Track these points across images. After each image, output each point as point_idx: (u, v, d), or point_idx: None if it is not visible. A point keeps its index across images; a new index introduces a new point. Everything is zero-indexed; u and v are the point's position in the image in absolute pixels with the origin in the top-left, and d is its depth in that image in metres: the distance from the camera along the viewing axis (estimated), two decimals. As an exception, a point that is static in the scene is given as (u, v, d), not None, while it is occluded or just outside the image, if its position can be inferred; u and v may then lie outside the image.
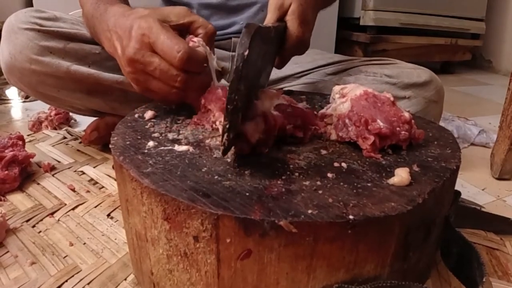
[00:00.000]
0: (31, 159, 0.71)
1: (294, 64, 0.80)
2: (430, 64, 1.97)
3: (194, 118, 0.48)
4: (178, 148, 0.41)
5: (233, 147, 0.38)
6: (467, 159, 0.92)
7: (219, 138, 0.40)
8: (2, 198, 0.63)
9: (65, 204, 0.62)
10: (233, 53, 0.83)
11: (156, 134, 0.44)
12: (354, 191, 0.33)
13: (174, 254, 0.34)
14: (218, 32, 0.83)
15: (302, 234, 0.29)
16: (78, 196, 0.65)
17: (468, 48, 2.18)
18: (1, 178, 0.63)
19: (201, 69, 0.47)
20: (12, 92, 1.24)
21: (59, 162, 0.78)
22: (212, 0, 0.83)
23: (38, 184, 0.68)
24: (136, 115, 0.50)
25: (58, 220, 0.58)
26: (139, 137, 0.43)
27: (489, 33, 2.23)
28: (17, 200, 0.63)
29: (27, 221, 0.57)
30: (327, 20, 1.85)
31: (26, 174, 0.70)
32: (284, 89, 0.69)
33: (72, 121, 1.02)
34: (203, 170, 0.36)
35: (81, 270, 0.48)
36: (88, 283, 0.46)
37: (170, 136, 0.44)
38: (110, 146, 0.41)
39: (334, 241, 0.30)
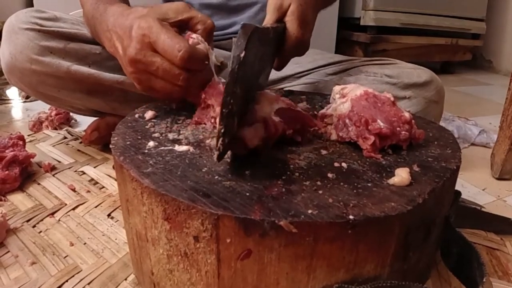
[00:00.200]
0: (31, 159, 0.72)
1: (295, 64, 0.80)
2: (431, 64, 1.97)
3: (194, 117, 0.48)
4: (178, 148, 0.41)
5: (229, 151, 0.38)
6: (468, 159, 0.92)
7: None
8: (3, 198, 0.63)
9: (66, 204, 0.62)
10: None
11: (156, 134, 0.44)
12: (354, 191, 0.33)
13: (174, 254, 0.34)
14: (218, 32, 0.84)
15: (302, 234, 0.29)
16: (79, 196, 0.65)
17: (468, 48, 2.18)
18: (2, 178, 0.63)
19: (203, 67, 0.47)
20: (12, 92, 1.24)
21: (59, 162, 0.78)
22: (213, 0, 0.83)
23: (39, 184, 0.69)
24: (137, 115, 0.50)
25: (59, 220, 0.58)
26: (139, 137, 0.43)
27: (489, 33, 2.23)
28: (18, 200, 0.63)
29: (27, 221, 0.57)
30: (327, 20, 1.85)
31: (26, 174, 0.70)
32: (284, 89, 0.69)
33: (73, 121, 1.02)
34: (203, 170, 0.36)
35: (81, 270, 0.48)
36: (89, 283, 0.46)
37: (171, 136, 0.44)
38: (111, 146, 0.41)
39: (334, 241, 0.30)
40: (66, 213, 0.60)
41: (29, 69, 0.68)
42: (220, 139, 0.33)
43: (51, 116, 0.97)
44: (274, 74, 0.62)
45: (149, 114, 0.50)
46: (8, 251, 0.51)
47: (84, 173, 0.74)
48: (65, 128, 0.97)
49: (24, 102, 1.21)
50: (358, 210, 0.30)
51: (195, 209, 0.30)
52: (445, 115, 1.09)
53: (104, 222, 0.58)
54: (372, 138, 0.40)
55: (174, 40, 0.45)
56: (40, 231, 0.55)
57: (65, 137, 0.91)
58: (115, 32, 0.52)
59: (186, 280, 0.35)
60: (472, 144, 1.03)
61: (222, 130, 0.32)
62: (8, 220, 0.56)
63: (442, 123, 0.77)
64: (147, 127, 0.46)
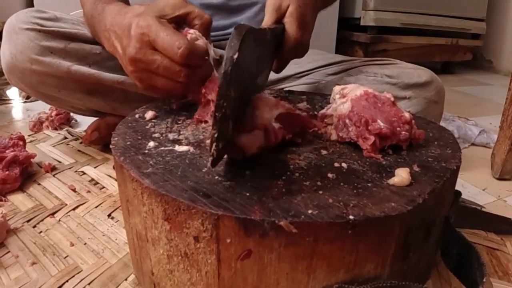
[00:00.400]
0: (32, 160, 0.72)
1: (295, 65, 0.80)
2: (431, 64, 1.97)
3: (196, 114, 0.48)
4: (178, 148, 0.41)
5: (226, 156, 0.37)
6: (468, 159, 0.92)
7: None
8: (3, 198, 0.63)
9: (66, 205, 0.62)
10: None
11: (156, 135, 0.44)
12: (354, 191, 0.33)
13: (174, 254, 0.34)
14: (219, 32, 0.84)
15: (302, 234, 0.29)
16: (79, 197, 0.65)
17: (468, 48, 2.18)
18: (2, 179, 0.64)
19: (203, 62, 0.47)
20: (13, 93, 1.25)
21: (59, 162, 0.78)
22: (213, 0, 0.83)
23: (39, 184, 0.69)
24: (137, 116, 0.50)
25: (59, 220, 0.58)
26: (139, 138, 0.43)
27: (489, 33, 2.23)
28: (18, 200, 0.63)
29: (28, 221, 0.57)
30: (327, 20, 1.85)
31: (27, 174, 0.70)
32: (285, 89, 0.69)
33: (73, 121, 1.02)
34: (203, 170, 0.36)
35: (81, 270, 0.48)
36: (89, 283, 0.46)
37: (171, 136, 0.44)
38: (111, 146, 0.41)
39: (334, 241, 0.30)
40: (66, 213, 0.60)
41: (29, 69, 0.68)
42: (214, 144, 0.31)
43: (51, 117, 0.97)
44: (274, 75, 0.62)
45: (149, 114, 0.50)
46: (9, 251, 0.51)
47: (84, 173, 0.74)
48: (65, 129, 0.97)
49: (25, 102, 1.21)
50: (358, 210, 0.30)
51: (195, 209, 0.30)
52: (445, 115, 1.09)
53: (104, 222, 0.58)
54: (372, 138, 0.40)
55: (173, 37, 0.45)
56: (41, 231, 0.55)
57: (66, 137, 0.91)
58: (113, 32, 0.52)
59: (186, 280, 0.35)
60: (472, 144, 1.03)
61: (216, 135, 0.31)
62: (8, 220, 0.56)
63: (442, 123, 0.77)
64: (147, 127, 0.46)
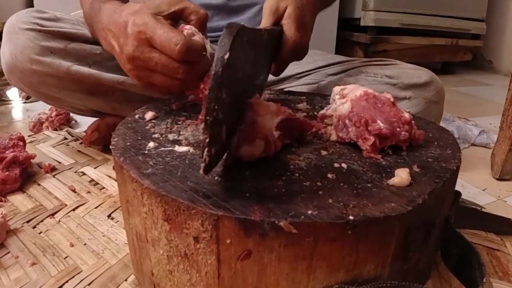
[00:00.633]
0: (31, 160, 0.71)
1: (295, 65, 0.80)
2: (431, 64, 1.97)
3: (200, 115, 0.48)
4: (178, 149, 0.41)
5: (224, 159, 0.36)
6: (468, 160, 0.92)
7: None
8: (3, 199, 0.63)
9: (66, 205, 0.62)
10: None
11: (156, 135, 0.44)
12: (354, 191, 0.33)
13: (174, 255, 0.34)
14: (219, 33, 0.84)
15: (302, 234, 0.29)
16: (79, 197, 0.65)
17: (468, 49, 2.18)
18: (2, 179, 0.64)
19: (200, 58, 0.47)
20: (13, 93, 1.25)
21: (59, 163, 0.78)
22: (213, 1, 0.83)
23: (39, 185, 0.69)
24: (137, 116, 0.50)
25: (59, 221, 0.58)
26: (139, 138, 0.43)
27: (489, 33, 2.23)
28: (18, 201, 0.63)
29: (27, 221, 0.57)
30: (327, 21, 1.85)
31: (26, 175, 0.70)
32: (285, 89, 0.69)
33: (73, 122, 1.02)
34: (203, 170, 0.36)
35: (81, 271, 0.48)
36: (89, 284, 0.46)
37: (171, 137, 0.44)
38: (111, 147, 0.41)
39: (334, 242, 0.30)
40: (66, 214, 0.60)
41: (29, 69, 0.68)
42: (206, 150, 0.30)
43: (51, 117, 0.97)
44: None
45: (149, 115, 0.50)
46: (8, 252, 0.51)
47: (84, 173, 0.74)
48: (65, 129, 0.97)
49: (25, 103, 1.21)
50: (358, 211, 0.30)
51: (195, 210, 0.30)
52: (445, 115, 1.09)
53: (104, 223, 0.58)
54: (372, 138, 0.40)
55: (171, 34, 0.45)
56: (40, 232, 0.55)
57: (65, 138, 0.91)
58: (109, 30, 0.52)
59: (186, 281, 0.35)
60: (472, 144, 1.03)
61: (207, 140, 0.29)
62: (8, 220, 0.56)
63: (442, 124, 0.77)
64: (147, 127, 0.46)
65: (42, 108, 1.07)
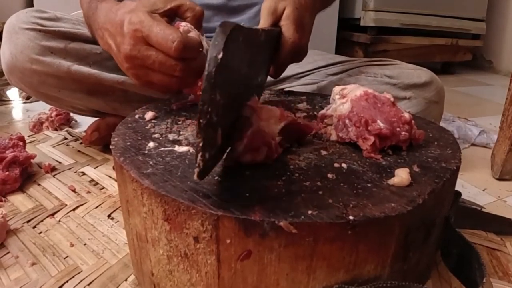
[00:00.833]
0: (31, 160, 0.72)
1: (295, 65, 0.79)
2: (431, 64, 1.97)
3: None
4: (178, 149, 0.41)
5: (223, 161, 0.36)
6: (468, 160, 0.92)
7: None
8: (3, 199, 0.63)
9: (66, 205, 0.62)
10: None
11: (156, 135, 0.44)
12: (354, 191, 0.33)
13: (174, 255, 0.34)
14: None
15: (302, 234, 0.29)
16: (79, 197, 0.65)
17: (468, 49, 2.18)
18: (2, 179, 0.64)
19: (197, 54, 0.47)
20: (13, 93, 1.25)
21: (59, 163, 0.78)
22: (213, 1, 0.83)
23: (39, 185, 0.69)
24: (137, 116, 0.50)
25: (59, 221, 0.58)
26: (139, 138, 0.43)
27: (489, 33, 2.23)
28: (18, 201, 0.63)
29: (27, 221, 0.57)
30: (327, 21, 1.85)
31: (26, 175, 0.70)
32: (285, 89, 0.69)
33: (73, 122, 1.02)
34: (203, 170, 0.36)
35: (81, 271, 0.48)
36: (89, 284, 0.46)
37: (171, 137, 0.44)
38: (111, 147, 0.41)
39: (334, 242, 0.30)
40: (66, 213, 0.60)
41: (29, 69, 0.68)
42: (200, 155, 0.28)
43: (51, 117, 0.97)
44: (274, 75, 0.63)
45: (149, 114, 0.50)
46: (9, 252, 0.51)
47: (84, 173, 0.74)
48: (65, 129, 0.97)
49: (25, 103, 1.21)
50: (358, 211, 0.30)
51: (195, 210, 0.30)
52: (445, 115, 1.09)
53: (104, 223, 0.58)
54: (372, 138, 0.40)
55: (167, 31, 0.45)
56: (40, 232, 0.55)
57: (66, 138, 0.91)
58: (106, 30, 0.52)
59: (186, 281, 0.35)
60: (472, 144, 1.03)
61: (201, 144, 0.28)
62: (8, 220, 0.56)
63: (442, 124, 0.77)
64: (147, 127, 0.46)
65: (42, 108, 1.07)
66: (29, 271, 0.48)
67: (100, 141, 0.83)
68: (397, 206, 0.31)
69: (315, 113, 0.51)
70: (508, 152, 0.79)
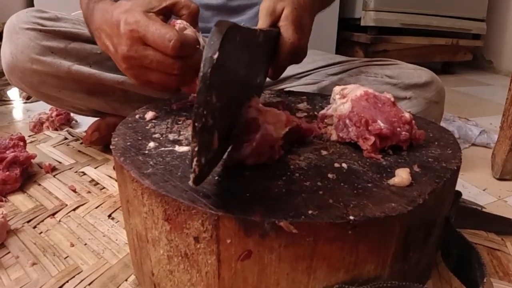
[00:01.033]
0: (32, 160, 0.72)
1: (295, 65, 0.80)
2: (431, 64, 1.97)
3: None
4: (179, 149, 0.41)
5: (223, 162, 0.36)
6: (468, 160, 0.92)
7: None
8: (3, 199, 0.63)
9: (66, 205, 0.62)
10: None
11: (156, 135, 0.44)
12: (355, 191, 0.33)
13: (174, 255, 0.34)
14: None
15: (302, 234, 0.29)
16: (79, 197, 0.65)
17: (469, 49, 2.18)
18: (2, 179, 0.64)
19: (195, 51, 0.47)
20: (13, 93, 1.25)
21: (60, 163, 0.78)
22: (213, 1, 0.83)
23: (39, 185, 0.69)
24: (137, 116, 0.50)
25: (59, 221, 0.58)
26: (139, 138, 0.43)
27: (490, 33, 2.23)
28: (18, 201, 0.63)
29: (28, 221, 0.57)
30: (327, 21, 1.85)
31: (27, 175, 0.70)
32: (285, 89, 0.69)
33: (73, 122, 1.02)
34: (203, 170, 0.36)
35: (82, 271, 0.48)
36: (89, 284, 0.46)
37: (171, 137, 0.44)
38: (111, 147, 0.41)
39: (334, 242, 0.30)
40: (66, 214, 0.60)
41: (30, 69, 0.68)
42: (195, 160, 0.27)
43: (51, 117, 0.97)
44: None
45: (149, 114, 0.50)
46: (9, 252, 0.51)
47: (84, 173, 0.74)
48: (65, 129, 0.97)
49: (25, 103, 1.21)
50: (358, 211, 0.30)
51: (195, 210, 0.30)
52: (445, 115, 1.09)
53: (104, 223, 0.58)
54: (372, 138, 0.40)
55: (163, 30, 0.45)
56: (41, 232, 0.55)
57: (66, 138, 0.91)
58: (103, 30, 0.52)
59: (186, 281, 0.35)
60: (473, 144, 1.03)
61: (196, 149, 0.27)
62: (8, 220, 0.56)
63: (442, 124, 0.77)
64: (147, 127, 0.46)
65: (42, 108, 1.07)
66: (30, 271, 0.48)
67: (100, 141, 0.83)
68: (397, 206, 0.31)
69: (316, 113, 0.51)
70: (509, 152, 0.79)
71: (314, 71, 0.81)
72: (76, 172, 0.74)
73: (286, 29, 0.51)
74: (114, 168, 0.71)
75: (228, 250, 0.31)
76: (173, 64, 0.46)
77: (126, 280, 0.47)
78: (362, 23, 1.88)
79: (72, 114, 1.01)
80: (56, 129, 0.97)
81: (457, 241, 0.40)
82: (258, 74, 0.49)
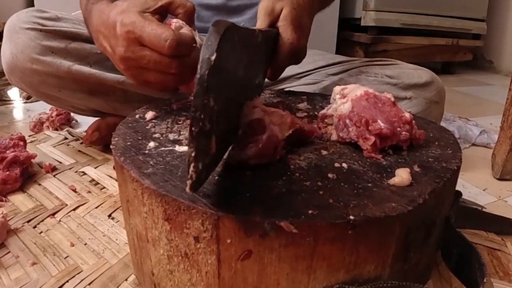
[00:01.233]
0: (32, 160, 0.72)
1: (295, 65, 0.80)
2: (431, 64, 1.97)
3: None
4: (179, 148, 0.41)
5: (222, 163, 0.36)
6: (468, 160, 0.92)
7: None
8: (4, 198, 0.63)
9: (66, 205, 0.62)
10: None
11: (157, 135, 0.44)
12: (355, 191, 0.33)
13: (174, 255, 0.34)
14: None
15: (302, 234, 0.29)
16: (79, 197, 0.65)
17: (469, 49, 2.18)
18: (3, 179, 0.64)
19: (191, 50, 0.47)
20: (13, 93, 1.25)
21: (60, 162, 0.78)
22: (212, 1, 0.83)
23: (39, 184, 0.69)
24: (137, 116, 0.50)
25: (59, 220, 0.58)
26: (140, 138, 0.43)
27: (490, 33, 2.22)
28: (19, 200, 0.63)
29: (28, 221, 0.57)
30: (327, 21, 1.85)
31: (27, 174, 0.70)
32: (285, 89, 0.69)
33: (73, 121, 1.02)
34: (203, 170, 0.36)
35: (82, 271, 0.48)
36: (89, 284, 0.46)
37: (171, 136, 0.44)
38: (111, 146, 0.41)
39: (334, 242, 0.30)
40: (66, 213, 0.60)
41: (30, 69, 0.68)
42: (192, 165, 0.26)
43: (52, 117, 0.97)
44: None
45: (149, 114, 0.50)
46: (9, 252, 0.51)
47: (84, 173, 0.74)
48: (66, 129, 0.97)
49: (25, 103, 1.21)
50: (358, 211, 0.30)
51: (195, 210, 0.30)
52: (445, 115, 1.09)
53: (104, 223, 0.58)
54: (373, 138, 0.40)
55: (159, 30, 0.45)
56: (41, 232, 0.55)
57: (66, 138, 0.91)
58: (100, 32, 0.52)
59: (186, 281, 0.35)
60: (473, 144, 1.03)
61: (193, 154, 0.26)
62: (9, 220, 0.56)
63: (442, 124, 0.77)
64: (147, 127, 0.46)
65: (42, 108, 1.07)
66: (30, 270, 0.48)
67: (100, 141, 0.83)
68: (397, 206, 0.31)
69: (316, 113, 0.51)
70: (509, 152, 0.79)
71: (314, 71, 0.81)
72: (76, 172, 0.74)
73: (285, 29, 0.51)
74: (114, 168, 0.71)
75: (228, 250, 0.31)
76: (170, 64, 0.46)
77: (126, 280, 0.47)
78: (362, 23, 1.87)
79: (72, 114, 1.01)
80: (56, 129, 0.97)
81: (457, 241, 0.40)
82: (257, 75, 0.49)
